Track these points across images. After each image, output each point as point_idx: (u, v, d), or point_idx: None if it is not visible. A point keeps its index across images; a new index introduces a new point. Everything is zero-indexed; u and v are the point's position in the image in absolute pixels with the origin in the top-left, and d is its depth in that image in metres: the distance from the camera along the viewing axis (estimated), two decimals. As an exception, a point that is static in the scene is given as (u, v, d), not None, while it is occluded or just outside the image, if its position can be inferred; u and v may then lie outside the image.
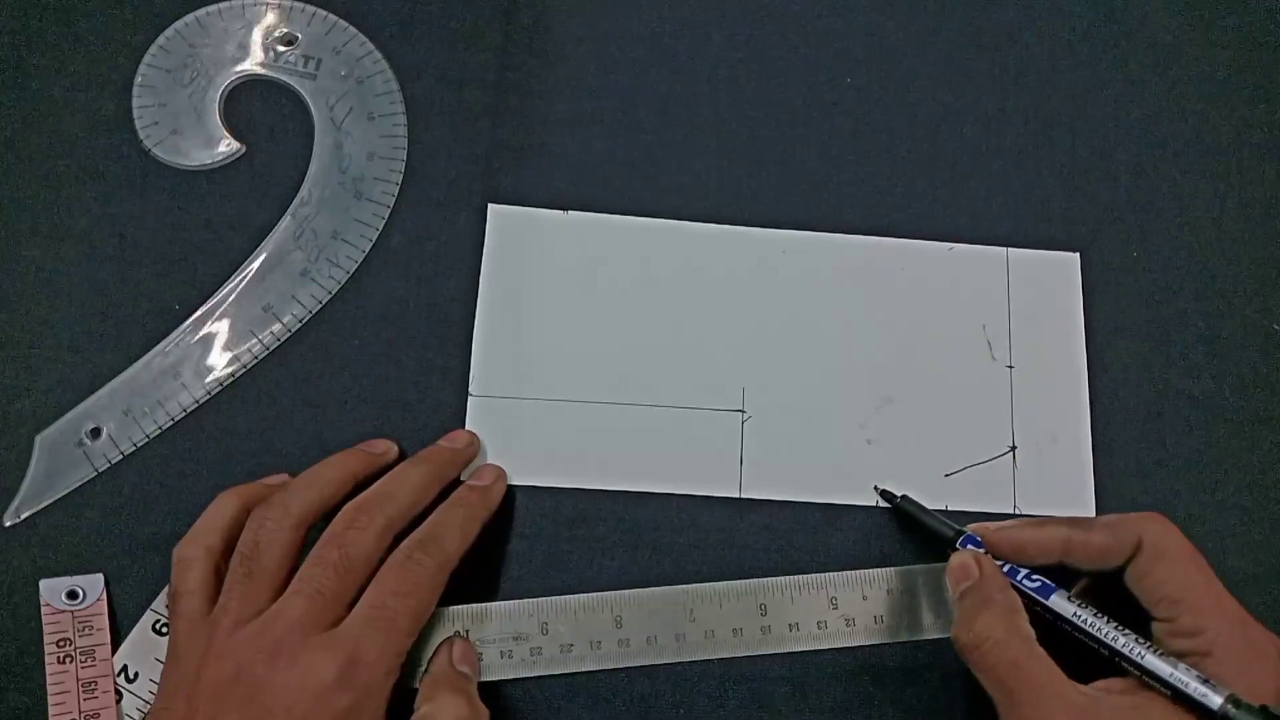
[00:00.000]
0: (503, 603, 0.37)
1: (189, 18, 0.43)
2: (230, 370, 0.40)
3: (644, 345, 0.41)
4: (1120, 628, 0.33)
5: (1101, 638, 0.33)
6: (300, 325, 0.40)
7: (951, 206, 0.43)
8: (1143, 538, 0.34)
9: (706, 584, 0.38)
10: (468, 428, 0.39)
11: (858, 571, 0.38)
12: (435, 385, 0.40)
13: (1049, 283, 0.43)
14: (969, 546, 0.36)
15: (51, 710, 0.34)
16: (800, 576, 0.38)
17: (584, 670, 0.37)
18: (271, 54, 0.43)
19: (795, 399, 0.41)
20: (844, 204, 0.43)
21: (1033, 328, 0.42)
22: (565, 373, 0.40)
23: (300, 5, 0.44)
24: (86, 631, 0.35)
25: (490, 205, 0.42)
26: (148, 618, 0.36)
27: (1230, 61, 0.46)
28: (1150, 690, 0.32)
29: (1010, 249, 0.43)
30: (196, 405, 0.39)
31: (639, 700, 0.37)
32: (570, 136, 0.43)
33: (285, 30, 0.43)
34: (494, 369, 0.40)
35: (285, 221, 0.41)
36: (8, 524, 0.38)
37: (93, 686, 0.35)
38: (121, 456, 0.39)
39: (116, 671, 0.35)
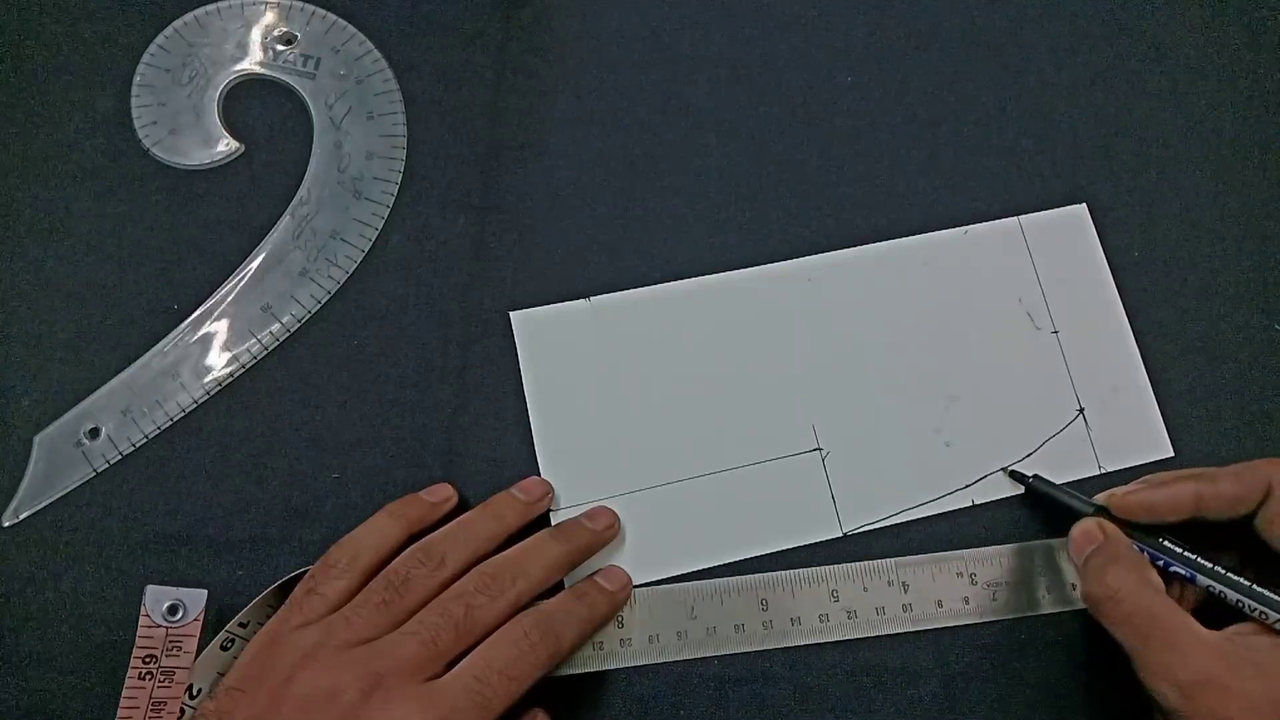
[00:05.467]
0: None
1: (188, 17, 0.43)
2: (229, 370, 0.40)
3: (703, 412, 0.40)
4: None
5: (1235, 577, 0.34)
6: (299, 325, 0.40)
7: (954, 201, 0.43)
8: (1272, 482, 0.34)
9: (706, 580, 0.38)
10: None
11: (857, 564, 0.39)
12: (435, 385, 0.40)
13: (1066, 240, 0.43)
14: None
15: None
16: (800, 570, 0.38)
17: (585, 671, 0.37)
18: (270, 53, 0.43)
19: (866, 421, 0.41)
20: (851, 206, 0.43)
21: (1064, 288, 0.42)
22: (635, 462, 0.40)
23: (299, 4, 0.44)
24: (174, 651, 0.34)
25: (512, 314, 0.41)
26: (220, 637, 0.35)
27: (1232, 59, 0.46)
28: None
29: (1021, 216, 0.43)
30: (195, 405, 0.39)
31: (638, 701, 0.37)
32: (569, 136, 0.43)
33: (284, 29, 0.43)
34: (565, 479, 0.39)
35: (284, 221, 0.41)
36: (6, 524, 0.38)
37: (161, 706, 0.34)
38: (120, 457, 0.39)
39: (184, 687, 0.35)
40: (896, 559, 0.39)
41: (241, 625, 0.35)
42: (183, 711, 0.34)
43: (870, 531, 0.39)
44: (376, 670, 0.31)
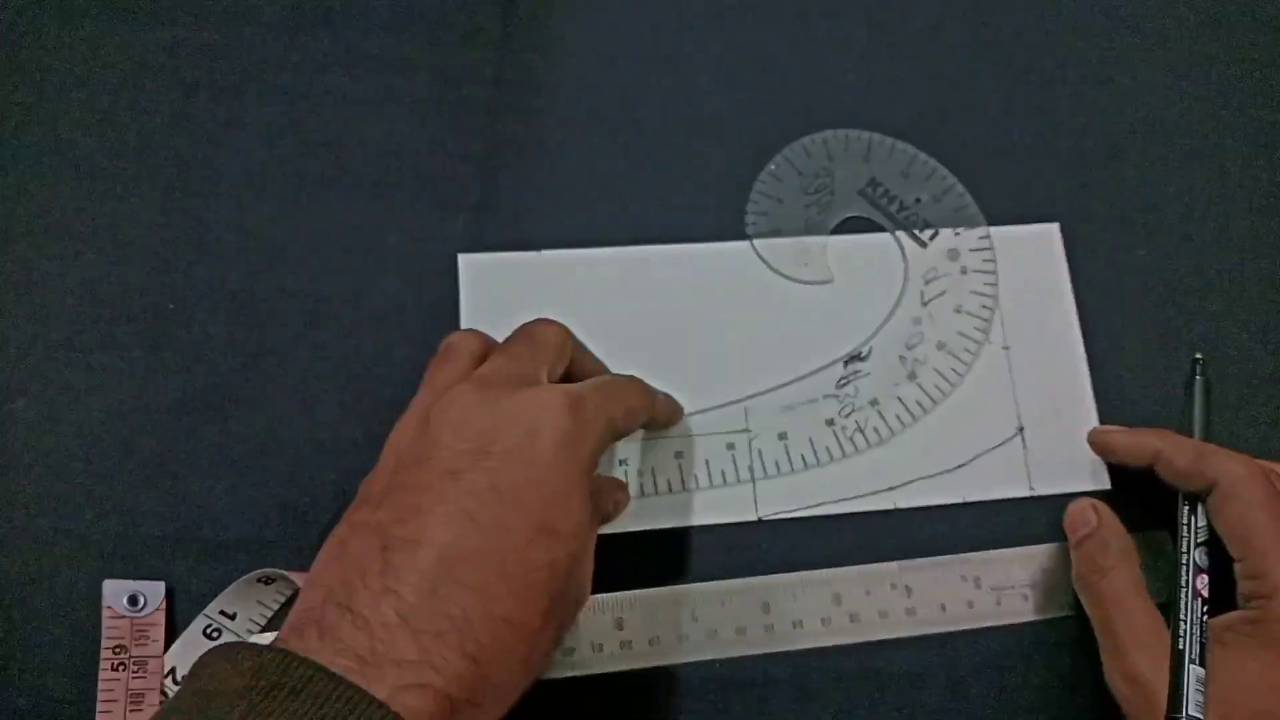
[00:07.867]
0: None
1: (836, 132, 0.43)
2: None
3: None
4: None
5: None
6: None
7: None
8: (1219, 478, 0.35)
9: (708, 583, 0.38)
10: None
11: (861, 567, 0.38)
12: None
13: (1033, 257, 0.43)
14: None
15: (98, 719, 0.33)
16: (803, 573, 0.38)
17: (587, 674, 0.37)
18: (893, 203, 0.43)
19: (801, 410, 0.40)
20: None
21: (1023, 305, 0.42)
22: None
23: (944, 174, 0.43)
24: (142, 641, 0.34)
25: (460, 255, 0.41)
26: (199, 621, 0.35)
27: (1236, 58, 0.46)
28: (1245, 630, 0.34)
29: (992, 228, 0.43)
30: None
31: (639, 704, 0.37)
32: (569, 134, 0.43)
33: (919, 195, 0.43)
34: None
35: (834, 368, 0.41)
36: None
37: (140, 699, 0.34)
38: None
39: (165, 672, 0.35)
40: (900, 562, 0.38)
41: (227, 615, 0.35)
42: (165, 695, 0.34)
43: (785, 522, 0.39)
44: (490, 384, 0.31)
